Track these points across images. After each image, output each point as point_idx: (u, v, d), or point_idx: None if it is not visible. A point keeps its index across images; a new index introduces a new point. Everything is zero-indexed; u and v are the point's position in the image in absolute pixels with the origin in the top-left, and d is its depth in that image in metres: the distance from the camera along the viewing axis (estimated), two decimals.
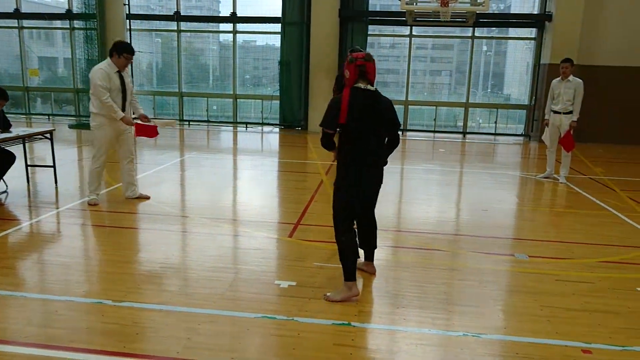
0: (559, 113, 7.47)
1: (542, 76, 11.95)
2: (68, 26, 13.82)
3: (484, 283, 3.93)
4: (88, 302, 3.40)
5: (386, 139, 3.59)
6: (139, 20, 13.73)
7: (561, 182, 7.55)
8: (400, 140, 3.69)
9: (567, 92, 7.36)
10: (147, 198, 6.04)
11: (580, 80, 7.34)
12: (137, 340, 2.94)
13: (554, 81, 7.61)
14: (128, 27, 13.36)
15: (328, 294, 3.53)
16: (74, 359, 2.74)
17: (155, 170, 7.76)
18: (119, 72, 5.61)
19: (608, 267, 4.34)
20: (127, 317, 3.20)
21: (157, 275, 3.87)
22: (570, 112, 7.38)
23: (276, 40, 13.17)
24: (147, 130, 5.92)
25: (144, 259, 4.21)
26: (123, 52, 5.55)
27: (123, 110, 5.65)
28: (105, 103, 5.44)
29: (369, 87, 3.43)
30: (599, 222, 5.69)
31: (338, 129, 3.47)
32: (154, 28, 14.45)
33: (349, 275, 3.51)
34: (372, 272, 3.99)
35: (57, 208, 5.66)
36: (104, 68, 5.51)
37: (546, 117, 7.72)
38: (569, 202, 6.70)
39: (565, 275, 4.11)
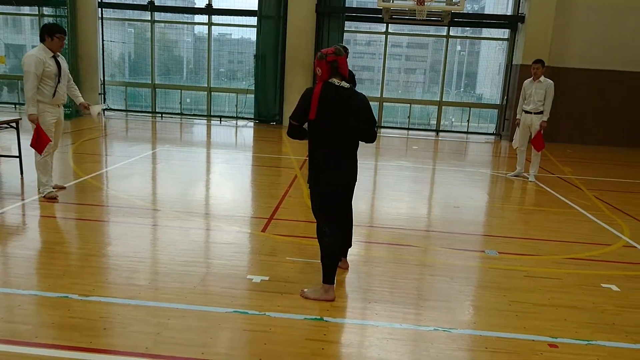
0: (530, 113, 7.63)
1: (514, 76, 12.17)
2: (37, 12, 13.40)
3: (455, 279, 3.98)
4: (53, 296, 3.30)
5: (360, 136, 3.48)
6: (111, 9, 13.41)
7: (530, 181, 7.71)
8: (376, 138, 3.64)
9: (538, 93, 7.51)
10: (63, 188, 5.85)
11: (551, 82, 7.50)
12: (104, 335, 2.87)
13: (525, 82, 7.76)
14: (100, 16, 13.04)
15: (305, 290, 3.49)
16: (38, 355, 2.66)
17: (125, 162, 7.60)
18: (55, 57, 5.38)
19: (575, 263, 4.45)
20: (94, 312, 3.12)
21: (126, 269, 3.79)
22: (541, 112, 7.54)
23: (252, 34, 13.05)
24: (40, 142, 5.29)
25: (113, 253, 4.12)
26: (55, 32, 5.28)
27: (54, 95, 5.39)
28: (27, 92, 5.15)
29: (343, 84, 3.32)
30: (566, 220, 5.83)
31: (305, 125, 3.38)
32: (127, 17, 14.15)
33: (328, 278, 3.43)
34: (346, 268, 4.00)
35: (23, 200, 5.49)
36: (38, 54, 5.21)
37: (518, 116, 7.87)
38: (537, 201, 6.84)
39: (533, 272, 4.20)
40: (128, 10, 13.86)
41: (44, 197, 5.44)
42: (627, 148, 11.97)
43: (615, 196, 7.10)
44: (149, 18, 13.36)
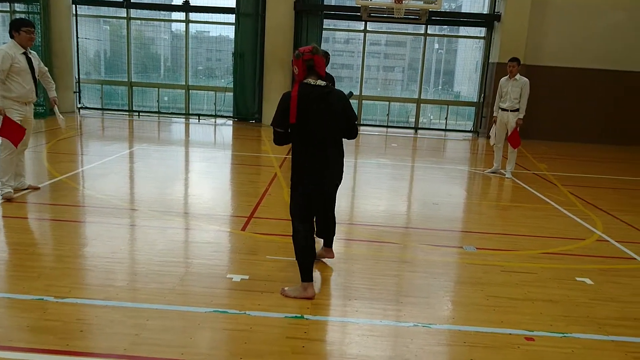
0: (507, 110, 7.74)
1: (491, 74, 12.34)
2: (8, 9, 13.06)
3: (434, 275, 4.02)
4: (28, 298, 3.23)
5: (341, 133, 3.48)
6: (85, 6, 13.16)
7: (507, 177, 7.83)
8: (357, 134, 3.64)
9: (514, 91, 7.63)
10: (37, 189, 5.74)
11: (527, 80, 7.63)
12: (81, 338, 2.83)
13: (502, 79, 7.87)
14: (74, 13, 12.79)
15: (285, 288, 3.49)
16: (13, 359, 2.60)
17: (101, 162, 7.47)
18: (26, 53, 5.28)
19: (550, 258, 4.53)
20: (70, 314, 3.07)
21: (103, 270, 3.73)
22: (517, 110, 7.66)
23: (230, 31, 12.95)
24: (12, 132, 5.19)
25: (89, 254, 4.05)
26: (21, 26, 5.20)
27: (33, 92, 5.34)
28: None
29: (319, 82, 3.30)
30: (542, 215, 5.94)
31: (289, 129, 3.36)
32: (102, 15, 13.90)
33: (305, 275, 3.43)
34: (331, 257, 4.05)
35: None
36: (7, 49, 5.12)
37: (494, 114, 7.98)
38: (514, 197, 6.96)
39: (510, 267, 4.27)
40: (103, 7, 13.63)
41: (2, 196, 5.29)
42: (599, 144, 12.23)
43: (589, 192, 7.26)
44: (125, 15, 13.15)
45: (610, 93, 12.27)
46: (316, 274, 3.87)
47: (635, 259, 4.62)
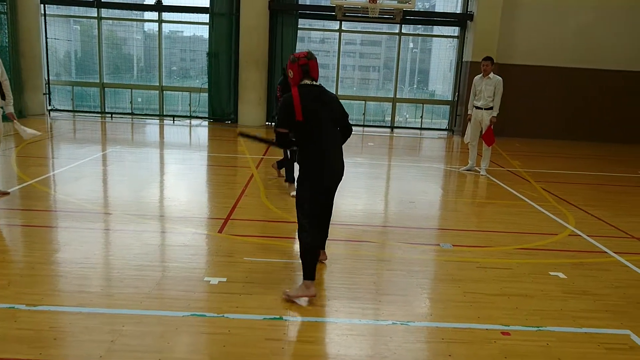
0: (481, 109, 7.85)
1: (464, 73, 12.50)
2: None
3: (411, 272, 4.05)
4: None
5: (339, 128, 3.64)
6: (55, 5, 12.87)
7: (482, 175, 7.95)
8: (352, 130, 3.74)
9: (488, 89, 7.74)
10: (6, 194, 5.57)
11: (500, 78, 7.75)
12: (54, 346, 2.76)
13: (475, 78, 7.98)
14: (42, 12, 12.49)
15: (287, 290, 3.45)
16: None
17: (73, 165, 7.31)
18: None
19: (524, 253, 4.62)
20: (43, 322, 2.99)
21: (77, 276, 3.65)
22: (491, 108, 7.77)
23: (205, 31, 12.82)
24: None
25: (62, 260, 3.96)
26: None
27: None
28: None
29: (314, 83, 3.51)
30: (516, 211, 6.05)
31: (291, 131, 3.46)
32: (72, 14, 13.61)
33: (309, 273, 3.41)
34: (324, 259, 4.09)
35: None
36: None
37: (469, 112, 8.09)
38: (489, 194, 7.06)
39: (486, 263, 4.33)
40: (73, 7, 13.34)
41: None
42: (570, 141, 12.51)
43: (561, 187, 7.42)
44: (96, 15, 12.90)
45: (580, 91, 12.56)
46: (296, 274, 3.87)
47: (606, 252, 4.73)
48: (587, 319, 3.41)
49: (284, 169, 6.63)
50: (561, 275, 4.12)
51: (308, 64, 3.46)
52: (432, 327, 3.22)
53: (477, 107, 7.90)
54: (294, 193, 5.76)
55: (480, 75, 7.84)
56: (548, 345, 3.06)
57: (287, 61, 3.55)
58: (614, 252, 4.71)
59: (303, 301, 3.40)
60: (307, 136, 3.44)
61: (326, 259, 4.11)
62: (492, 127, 7.81)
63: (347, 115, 3.65)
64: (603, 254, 4.69)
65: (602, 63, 12.45)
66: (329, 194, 3.64)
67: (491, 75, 7.73)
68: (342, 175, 3.59)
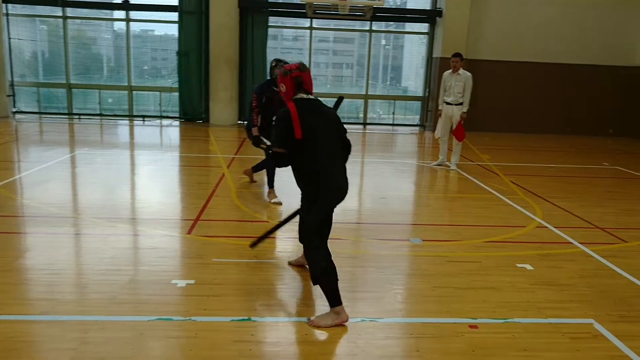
0: (451, 104, 7.94)
1: (435, 69, 12.61)
2: None
3: (381, 269, 4.07)
4: None
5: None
6: (18, 5, 12.50)
7: (452, 169, 8.03)
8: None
9: (458, 85, 7.83)
10: None
11: (470, 74, 7.85)
12: (13, 357, 2.67)
13: (445, 73, 8.06)
14: (5, 12, 12.12)
15: (312, 318, 3.13)
16: None
17: (39, 168, 7.13)
18: None
19: (492, 246, 4.68)
20: (1, 332, 2.89)
21: (39, 283, 3.56)
22: (461, 104, 7.87)
23: (175, 30, 12.63)
24: None
25: (24, 266, 3.85)
26: None
27: None
28: None
29: (310, 96, 3.25)
30: (485, 205, 6.13)
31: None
32: (37, 14, 13.25)
33: (335, 300, 3.11)
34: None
35: None
36: None
37: (439, 107, 8.17)
38: (459, 188, 7.14)
39: (454, 257, 4.38)
40: (38, 6, 12.98)
41: None
42: (538, 134, 12.75)
43: (529, 180, 7.55)
44: (61, 14, 12.59)
45: (547, 85, 12.81)
46: (266, 274, 3.84)
47: (572, 243, 4.83)
48: (553, 310, 3.47)
49: (258, 172, 6.47)
50: (528, 267, 4.19)
51: (301, 76, 3.19)
52: (401, 322, 3.24)
53: (448, 103, 7.98)
54: (275, 200, 5.72)
55: (450, 71, 7.92)
56: (514, 336, 3.10)
57: (278, 74, 3.26)
58: (580, 243, 4.81)
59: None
60: (310, 155, 3.13)
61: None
62: (462, 122, 7.90)
63: (345, 130, 3.39)
64: (569, 245, 4.79)
65: (569, 57, 12.72)
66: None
67: (461, 71, 7.82)
68: (347, 192, 3.37)
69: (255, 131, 5.73)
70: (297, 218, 3.60)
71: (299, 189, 3.31)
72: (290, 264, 4.05)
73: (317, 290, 3.61)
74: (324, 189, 3.16)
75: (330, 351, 2.89)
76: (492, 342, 3.03)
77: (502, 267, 4.19)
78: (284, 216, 5.14)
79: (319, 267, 3.14)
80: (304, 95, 3.23)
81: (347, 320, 3.12)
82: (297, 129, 3.06)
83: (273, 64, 5.74)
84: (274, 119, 3.30)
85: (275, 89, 5.75)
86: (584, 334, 3.18)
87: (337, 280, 3.17)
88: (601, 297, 3.69)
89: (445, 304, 3.49)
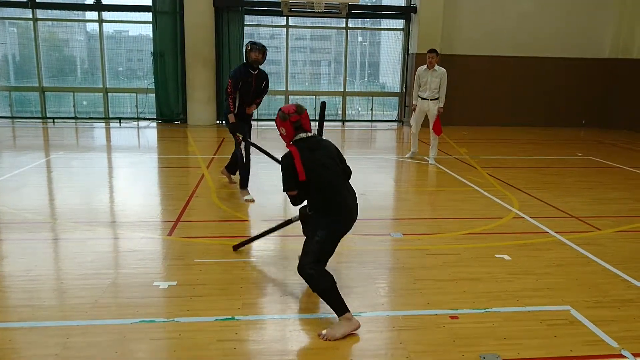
0: (427, 99, 8.03)
1: (411, 65, 12.71)
2: None
3: (363, 263, 4.11)
4: None
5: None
6: None
7: (430, 164, 8.13)
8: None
9: (434, 81, 7.93)
10: None
11: (444, 70, 7.96)
12: None
13: (419, 69, 8.14)
14: None
15: (323, 332, 3.02)
16: None
17: (13, 173, 6.99)
18: None
19: (472, 238, 4.76)
20: None
21: (17, 290, 3.50)
22: (437, 99, 7.96)
23: (150, 31, 12.48)
24: None
25: (1, 274, 3.77)
26: None
27: None
28: None
29: (308, 134, 3.35)
30: (464, 198, 6.22)
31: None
32: (6, 16, 12.96)
33: (341, 309, 3.08)
34: None
35: None
36: None
37: (414, 102, 8.27)
38: (437, 182, 7.23)
39: (435, 249, 4.44)
40: (7, 8, 12.70)
41: None
42: (513, 127, 12.96)
43: (505, 172, 7.69)
44: (31, 16, 12.33)
45: (521, 78, 13.03)
46: (248, 273, 3.85)
47: (548, 232, 4.94)
48: (531, 298, 3.55)
49: (236, 173, 6.38)
50: (506, 257, 4.28)
51: (300, 120, 3.31)
52: (383, 316, 3.28)
53: (423, 98, 8.07)
54: (248, 197, 5.73)
55: (425, 67, 8.01)
56: (494, 325, 3.17)
57: (277, 117, 3.37)
58: (555, 232, 4.93)
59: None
60: (317, 189, 3.28)
61: None
62: (439, 117, 8.00)
63: (344, 160, 3.51)
64: (545, 234, 4.90)
65: (542, 51, 12.95)
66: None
67: (436, 67, 7.92)
68: (356, 219, 3.41)
69: (232, 118, 5.71)
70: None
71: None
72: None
73: (303, 287, 3.63)
74: (333, 220, 3.27)
75: (313, 346, 2.91)
76: (472, 332, 3.09)
77: (481, 258, 4.26)
78: (266, 216, 5.17)
79: (327, 290, 3.10)
80: (303, 135, 3.34)
81: (359, 327, 3.07)
82: (300, 171, 3.24)
83: (248, 48, 5.68)
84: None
85: (252, 72, 5.76)
86: (561, 320, 3.26)
87: (336, 288, 3.12)
88: (577, 284, 3.79)
89: (426, 296, 3.55)
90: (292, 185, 3.32)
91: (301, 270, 3.19)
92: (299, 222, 3.68)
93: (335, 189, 3.30)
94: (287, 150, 3.35)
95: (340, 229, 3.31)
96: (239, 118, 5.83)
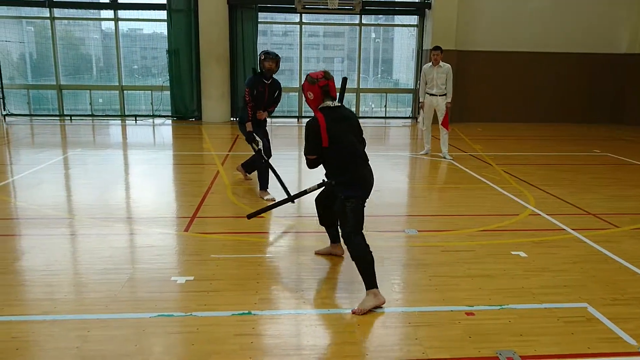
0: (435, 95, 8.09)
1: (425, 61, 12.63)
2: None
3: (378, 260, 4.05)
4: None
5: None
6: (5, 7, 12.42)
7: (447, 159, 8.13)
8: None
9: (440, 77, 8.02)
10: None
11: (449, 65, 8.09)
12: (17, 356, 2.70)
13: (425, 66, 8.25)
14: None
15: (355, 309, 3.24)
16: None
17: (32, 170, 7.12)
18: None
19: (487, 235, 4.74)
20: (5, 333, 2.92)
21: (39, 284, 3.58)
22: (445, 94, 8.02)
23: (164, 28, 12.58)
24: None
25: (22, 268, 3.86)
26: None
27: None
28: None
29: (335, 103, 3.48)
30: (478, 194, 6.19)
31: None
32: (24, 15, 13.15)
33: (373, 282, 3.31)
34: (342, 253, 4.11)
35: None
36: None
37: (421, 99, 8.31)
38: (452, 178, 7.20)
39: (450, 246, 4.43)
40: (25, 8, 12.89)
41: None
42: (529, 123, 12.85)
43: (521, 169, 7.63)
44: (48, 15, 12.50)
45: (537, 74, 12.91)
46: (265, 268, 3.88)
47: (564, 229, 4.90)
48: (547, 295, 3.53)
49: (253, 172, 6.42)
50: (522, 254, 4.26)
51: (328, 84, 3.42)
52: (398, 312, 3.29)
53: (432, 94, 8.12)
54: (269, 198, 5.72)
55: (430, 64, 8.10)
56: (510, 322, 3.16)
57: (304, 82, 3.49)
58: (572, 229, 4.88)
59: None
60: (340, 156, 3.44)
61: (343, 252, 4.11)
62: (448, 112, 8.06)
63: (362, 132, 3.66)
64: (561, 231, 4.86)
65: (558, 47, 12.80)
66: None
67: (441, 63, 8.01)
68: (373, 185, 3.60)
69: (249, 126, 5.72)
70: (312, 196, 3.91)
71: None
72: (317, 253, 4.18)
73: (319, 283, 3.66)
74: (355, 187, 3.45)
75: (329, 342, 2.93)
76: (488, 329, 3.08)
77: (496, 255, 4.25)
78: (281, 212, 5.19)
79: (363, 257, 3.35)
80: (330, 103, 3.46)
81: (384, 302, 3.29)
82: (325, 138, 3.38)
83: (262, 57, 5.69)
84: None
85: (265, 81, 5.77)
86: (578, 317, 3.24)
87: (373, 263, 3.36)
88: (594, 282, 3.76)
89: (442, 292, 3.55)
90: (313, 151, 3.47)
91: (348, 239, 3.41)
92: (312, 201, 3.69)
93: (355, 158, 3.47)
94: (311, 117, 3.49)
95: (363, 195, 3.50)
96: (254, 124, 5.78)
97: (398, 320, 3.19)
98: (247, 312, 3.21)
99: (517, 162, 8.22)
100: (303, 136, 3.56)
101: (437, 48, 8.04)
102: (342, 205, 3.45)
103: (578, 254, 4.30)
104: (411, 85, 13.63)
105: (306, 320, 3.15)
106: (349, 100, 13.82)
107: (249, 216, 4.22)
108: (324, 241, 4.58)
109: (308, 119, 3.52)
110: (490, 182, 6.76)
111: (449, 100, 8.08)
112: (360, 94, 13.62)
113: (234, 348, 2.82)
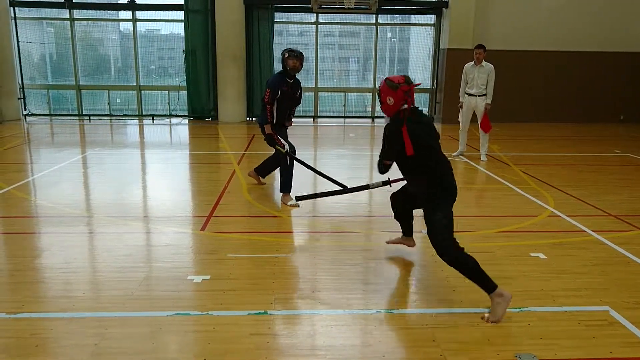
0: (475, 95, 7.94)
1: (442, 61, 12.55)
2: None
3: (395, 260, 4.08)
4: None
5: None
6: (25, 8, 12.62)
7: (483, 160, 8.03)
8: None
9: (481, 77, 7.84)
10: None
11: (492, 66, 7.86)
12: (36, 353, 2.73)
13: (467, 65, 8.04)
14: (12, 16, 12.24)
15: (489, 317, 3.13)
16: None
17: (52, 169, 7.21)
18: None
19: (505, 236, 4.68)
20: (24, 330, 2.96)
21: (58, 282, 3.62)
22: (484, 95, 7.86)
23: (181, 29, 12.67)
24: None
25: (42, 266, 3.91)
26: None
27: None
28: None
29: (414, 108, 3.37)
30: (496, 195, 6.11)
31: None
32: (44, 16, 13.36)
33: (492, 286, 3.16)
34: (414, 245, 4.18)
35: None
36: None
37: (461, 99, 8.16)
38: (470, 179, 7.12)
39: (467, 247, 4.28)
40: (45, 9, 13.10)
41: None
42: (548, 123, 12.66)
43: (540, 169, 7.52)
44: (68, 16, 12.68)
45: (556, 73, 12.70)
46: (281, 268, 3.87)
47: (584, 231, 4.81)
48: (568, 298, 3.47)
49: (267, 175, 6.32)
50: (542, 256, 4.19)
51: (410, 90, 3.30)
52: (416, 313, 3.26)
53: (471, 94, 7.97)
54: (292, 203, 5.59)
55: (472, 63, 7.93)
56: (530, 325, 3.11)
57: (383, 86, 3.37)
58: (592, 231, 4.79)
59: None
60: (426, 162, 3.34)
61: (414, 244, 4.16)
62: (487, 113, 7.90)
63: (439, 136, 3.56)
64: (582, 233, 4.77)
65: (576, 45, 12.60)
66: None
67: (484, 63, 7.84)
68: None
69: (268, 128, 5.49)
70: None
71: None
72: (388, 242, 4.23)
73: (334, 282, 3.64)
74: (443, 191, 3.36)
75: (345, 343, 2.91)
76: (507, 331, 3.03)
77: (515, 256, 4.18)
78: (298, 212, 5.17)
79: (471, 267, 3.20)
80: (408, 108, 3.33)
81: (511, 297, 3.16)
82: (409, 147, 3.25)
83: (286, 55, 5.46)
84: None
85: (288, 80, 5.58)
86: (599, 321, 3.17)
87: (479, 267, 3.20)
88: (616, 285, 3.68)
89: (460, 294, 3.50)
90: (391, 157, 3.43)
91: (446, 253, 3.25)
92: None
93: (441, 165, 3.39)
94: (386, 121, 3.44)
95: (452, 201, 3.41)
96: (278, 127, 5.59)
97: (415, 321, 3.16)
98: (263, 311, 3.20)
99: (536, 163, 8.10)
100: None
101: (480, 46, 7.86)
102: (434, 216, 3.30)
103: (599, 256, 4.21)
104: (428, 85, 13.53)
105: (322, 321, 3.13)
106: (365, 100, 13.78)
107: (298, 198, 4.30)
108: (338, 239, 4.57)
109: (387, 123, 3.40)
110: (508, 182, 6.67)
111: (489, 101, 7.88)
112: (377, 94, 13.55)
113: (249, 347, 2.81)
